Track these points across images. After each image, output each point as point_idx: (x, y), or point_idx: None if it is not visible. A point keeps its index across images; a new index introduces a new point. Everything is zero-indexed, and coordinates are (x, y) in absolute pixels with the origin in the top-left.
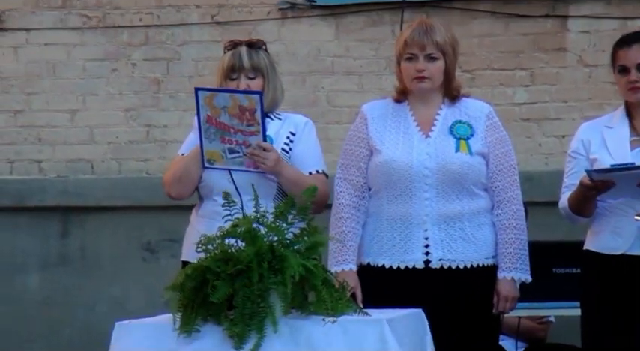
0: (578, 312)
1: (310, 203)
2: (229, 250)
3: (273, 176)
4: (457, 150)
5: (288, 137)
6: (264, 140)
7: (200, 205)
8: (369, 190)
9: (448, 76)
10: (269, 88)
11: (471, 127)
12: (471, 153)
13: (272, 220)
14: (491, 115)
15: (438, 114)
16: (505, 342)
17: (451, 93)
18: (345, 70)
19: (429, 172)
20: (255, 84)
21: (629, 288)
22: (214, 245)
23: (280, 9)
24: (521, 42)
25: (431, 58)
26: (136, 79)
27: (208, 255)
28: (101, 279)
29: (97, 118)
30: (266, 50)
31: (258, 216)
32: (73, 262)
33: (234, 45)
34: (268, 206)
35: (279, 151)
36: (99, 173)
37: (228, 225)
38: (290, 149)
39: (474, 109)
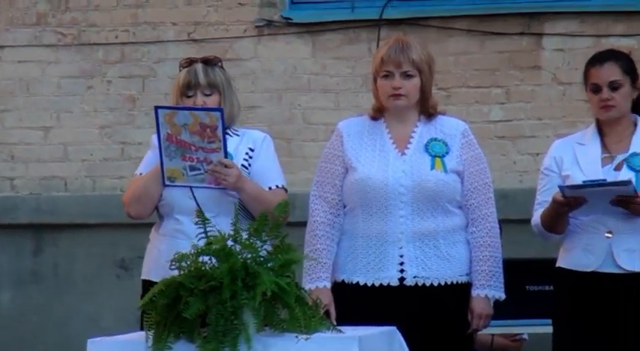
0: (551, 329)
1: (282, 219)
2: (203, 267)
3: (235, 192)
4: (432, 167)
5: (247, 153)
6: (226, 157)
7: (160, 224)
8: (344, 207)
9: (424, 93)
10: (226, 105)
11: (446, 145)
12: (446, 170)
13: (246, 237)
14: (467, 133)
15: (414, 131)
16: None
17: (427, 111)
18: (322, 88)
19: (404, 189)
20: (212, 101)
21: (600, 305)
22: (188, 263)
23: (257, 26)
24: (497, 60)
25: (407, 76)
26: (111, 96)
27: (182, 272)
28: (75, 296)
29: (72, 135)
30: (222, 67)
31: (233, 233)
32: (47, 280)
33: (190, 62)
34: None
35: (238, 166)
36: (72, 191)
37: (201, 243)
38: (249, 165)
39: (449, 126)
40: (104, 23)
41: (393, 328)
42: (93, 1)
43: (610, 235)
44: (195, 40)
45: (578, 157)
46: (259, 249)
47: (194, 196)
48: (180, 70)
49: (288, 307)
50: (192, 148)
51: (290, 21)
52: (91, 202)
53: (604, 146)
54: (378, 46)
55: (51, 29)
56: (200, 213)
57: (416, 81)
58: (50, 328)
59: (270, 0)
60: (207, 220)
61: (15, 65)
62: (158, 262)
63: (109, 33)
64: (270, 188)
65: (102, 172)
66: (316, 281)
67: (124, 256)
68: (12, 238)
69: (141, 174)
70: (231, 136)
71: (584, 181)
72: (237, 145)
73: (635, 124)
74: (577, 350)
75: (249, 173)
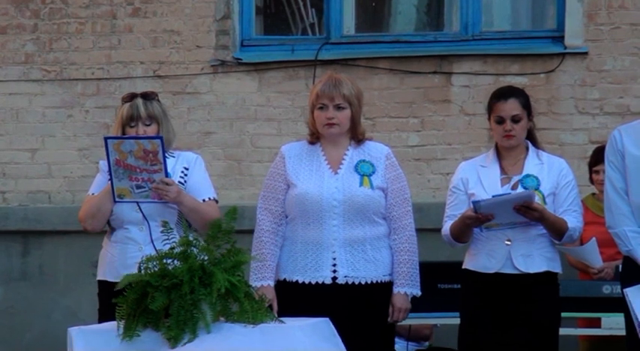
0: (458, 321)
1: (232, 225)
2: (166, 268)
3: (175, 205)
4: (361, 184)
5: (182, 171)
6: (166, 176)
7: (112, 233)
8: (286, 217)
9: (354, 122)
10: (163, 132)
11: (372, 166)
12: (372, 187)
13: (204, 242)
14: (390, 156)
15: (345, 154)
16: (398, 345)
17: (357, 137)
18: (266, 117)
19: (337, 203)
20: (151, 129)
21: (501, 300)
22: (154, 263)
23: (212, 65)
24: (414, 94)
25: (339, 108)
26: (88, 123)
27: (148, 272)
28: (56, 292)
29: (54, 156)
30: (158, 100)
31: (192, 239)
32: (33, 278)
33: (131, 97)
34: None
35: (176, 183)
36: (55, 203)
37: (166, 248)
38: (185, 181)
39: (375, 150)
40: (82, 62)
41: (327, 319)
42: (73, 43)
43: (509, 243)
44: (159, 77)
45: (481, 178)
46: (214, 252)
47: (140, 209)
48: (122, 104)
49: (238, 301)
50: (138, 170)
51: (240, 61)
52: (71, 212)
53: (502, 168)
54: (314, 82)
55: (37, 67)
56: (165, 223)
57: (347, 112)
58: (36, 319)
59: (223, 43)
60: (171, 229)
61: (6, 97)
62: (112, 264)
63: (86, 70)
64: (203, 200)
65: (80, 187)
66: (261, 280)
67: (97, 258)
68: (3, 242)
69: (93, 194)
70: (168, 157)
71: (493, 196)
72: (173, 165)
73: (527, 149)
74: (479, 338)
75: (185, 188)
